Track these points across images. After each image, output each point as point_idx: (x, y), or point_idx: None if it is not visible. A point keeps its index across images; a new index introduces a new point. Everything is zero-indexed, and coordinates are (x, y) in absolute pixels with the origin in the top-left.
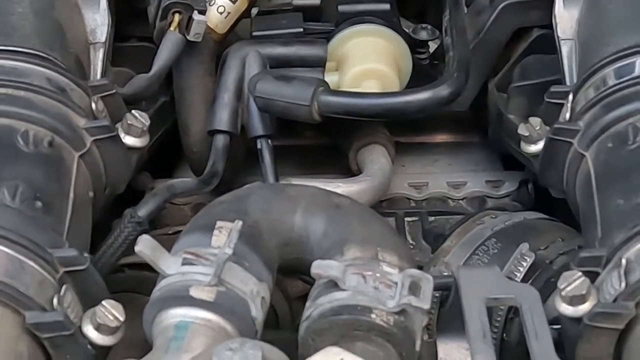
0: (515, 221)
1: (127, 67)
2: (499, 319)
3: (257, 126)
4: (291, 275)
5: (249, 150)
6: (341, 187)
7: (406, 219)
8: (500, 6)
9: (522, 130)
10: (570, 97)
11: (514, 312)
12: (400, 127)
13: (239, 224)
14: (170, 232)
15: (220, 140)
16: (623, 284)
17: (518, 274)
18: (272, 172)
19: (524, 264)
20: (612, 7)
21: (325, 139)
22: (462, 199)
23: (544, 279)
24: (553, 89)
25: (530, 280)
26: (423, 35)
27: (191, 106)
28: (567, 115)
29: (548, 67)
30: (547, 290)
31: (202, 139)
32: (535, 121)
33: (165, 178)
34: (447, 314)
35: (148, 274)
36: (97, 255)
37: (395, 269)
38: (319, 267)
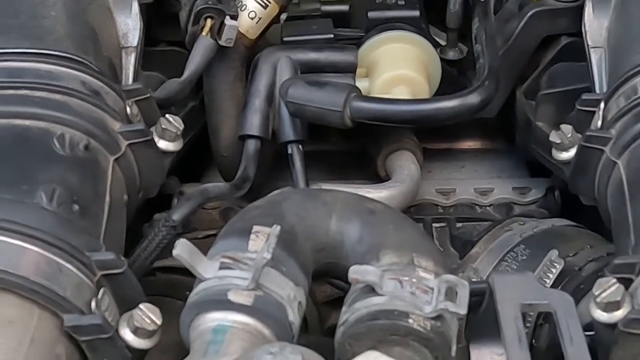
0: (544, 228)
1: (156, 71)
2: (528, 325)
3: (289, 131)
4: (320, 280)
5: (277, 155)
6: (371, 192)
7: (434, 225)
8: (529, 14)
9: (554, 137)
10: (602, 105)
11: (543, 318)
12: (427, 134)
13: (277, 228)
14: (200, 236)
15: (251, 145)
16: None
17: (548, 281)
18: (303, 177)
19: (554, 270)
20: None
21: (352, 145)
22: (489, 206)
23: (573, 286)
24: (584, 96)
25: (560, 287)
26: (450, 55)
27: (222, 111)
28: (599, 123)
29: (576, 74)
30: (577, 296)
31: (232, 144)
32: (567, 128)
33: (192, 182)
34: (477, 320)
35: (180, 277)
36: (131, 259)
37: (431, 275)
38: (356, 272)
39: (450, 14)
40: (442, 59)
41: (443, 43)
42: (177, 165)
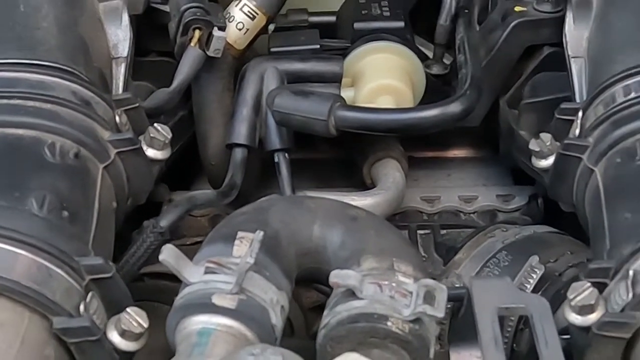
0: (526, 234)
1: (146, 81)
2: (509, 329)
3: (275, 140)
4: (306, 285)
5: (265, 163)
6: (356, 200)
7: (419, 231)
8: (512, 24)
9: (533, 145)
10: (580, 113)
11: (523, 323)
12: (414, 142)
13: (260, 234)
14: (188, 242)
15: (238, 154)
16: (630, 295)
17: (528, 286)
18: (289, 185)
19: (534, 276)
20: (620, 26)
21: (339, 153)
22: (474, 213)
23: (553, 291)
24: (563, 105)
25: (540, 292)
26: (435, 70)
27: (210, 120)
28: (577, 132)
29: (558, 84)
30: (557, 301)
31: (220, 152)
32: (546, 137)
33: (182, 190)
34: (459, 325)
35: (167, 283)
36: (119, 264)
37: (411, 279)
38: (337, 277)
39: (440, 27)
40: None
41: (428, 53)
42: (167, 173)
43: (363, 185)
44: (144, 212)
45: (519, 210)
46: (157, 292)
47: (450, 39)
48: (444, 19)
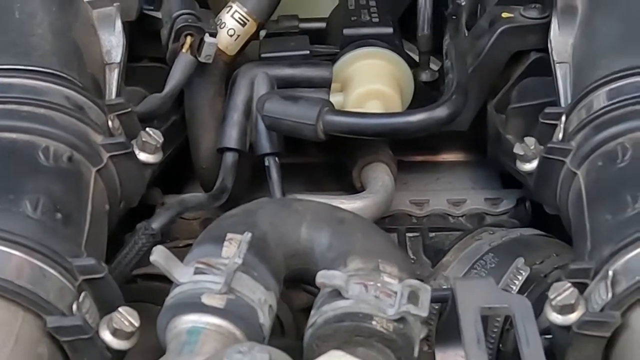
0: (512, 237)
1: (139, 87)
2: (495, 329)
3: (265, 144)
4: (296, 287)
5: (255, 167)
6: (345, 203)
7: (407, 234)
8: (499, 30)
9: (518, 149)
10: (563, 118)
11: (509, 323)
12: (403, 146)
13: (248, 235)
14: (180, 245)
15: (229, 158)
16: (610, 294)
17: (514, 287)
18: (279, 188)
19: (520, 277)
20: (603, 32)
21: (330, 157)
22: (462, 216)
23: (538, 292)
24: (547, 110)
25: (526, 293)
26: (423, 77)
27: (201, 124)
28: (560, 136)
29: (544, 89)
30: (542, 302)
31: (212, 156)
32: (530, 141)
33: (174, 194)
34: (445, 326)
35: (159, 284)
36: (112, 265)
37: (395, 280)
38: (323, 277)
39: (420, 37)
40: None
41: (417, 58)
42: (160, 177)
43: (353, 188)
44: (137, 215)
45: (506, 213)
46: (149, 294)
47: (436, 45)
48: (421, 29)
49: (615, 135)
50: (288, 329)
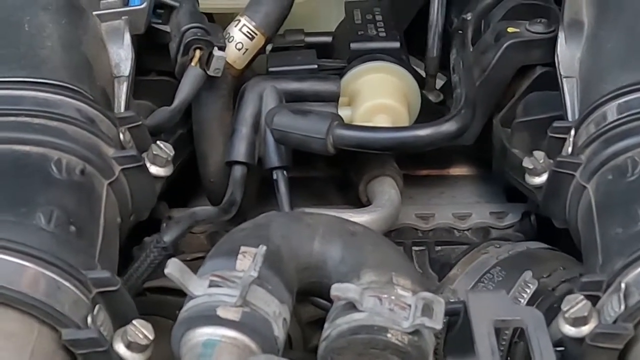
0: (519, 250)
1: (147, 100)
2: (503, 342)
3: (274, 158)
4: (302, 299)
5: (263, 181)
6: (352, 217)
7: (414, 248)
8: (505, 45)
9: (527, 163)
10: (573, 132)
11: (518, 336)
12: (408, 161)
13: (263, 248)
14: (188, 258)
15: (238, 171)
16: (622, 307)
17: (522, 300)
18: (288, 202)
19: (528, 290)
20: (610, 46)
21: (336, 171)
22: (467, 230)
23: (546, 305)
24: (556, 124)
25: (534, 306)
26: (430, 98)
27: (210, 138)
28: (570, 149)
29: (550, 103)
30: (550, 315)
31: (220, 170)
32: (540, 155)
33: (179, 207)
34: (454, 339)
35: (169, 297)
36: (124, 278)
37: (409, 292)
38: (337, 290)
39: (429, 59)
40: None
41: (422, 73)
42: (165, 190)
43: (359, 202)
44: (142, 228)
45: (512, 227)
46: (159, 307)
47: (443, 60)
48: (430, 51)
49: (625, 149)
50: (296, 342)
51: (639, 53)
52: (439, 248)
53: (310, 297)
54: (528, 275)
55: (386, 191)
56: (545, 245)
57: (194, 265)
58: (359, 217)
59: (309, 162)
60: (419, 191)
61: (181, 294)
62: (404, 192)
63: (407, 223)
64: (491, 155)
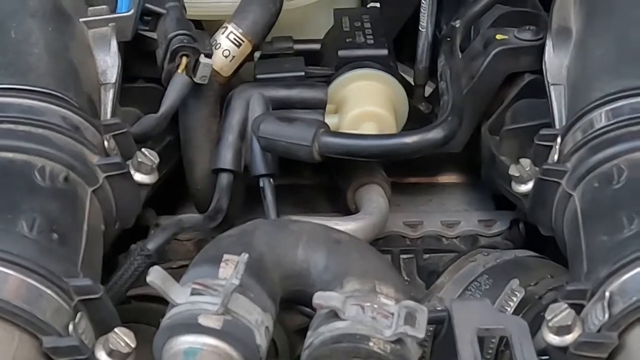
0: (506, 258)
1: (134, 107)
2: (490, 351)
3: (260, 165)
4: (290, 308)
5: (250, 188)
6: (340, 224)
7: (401, 256)
8: (493, 52)
9: (513, 171)
10: (559, 139)
11: (504, 345)
12: (396, 168)
13: (245, 256)
14: (174, 266)
15: (224, 179)
16: (606, 315)
17: (509, 309)
18: (274, 209)
19: (514, 299)
20: (598, 54)
21: (323, 179)
22: (456, 238)
23: (533, 314)
24: (542, 132)
25: (521, 315)
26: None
27: (196, 145)
28: (556, 157)
29: (539, 111)
30: (537, 324)
31: (206, 177)
32: (525, 162)
33: (168, 215)
34: (441, 348)
35: (153, 305)
36: (107, 286)
37: (392, 301)
38: (320, 298)
39: (418, 70)
40: (411, 96)
41: (411, 80)
42: (153, 198)
43: (347, 210)
44: (131, 236)
45: (500, 235)
46: (143, 314)
47: (432, 68)
48: (419, 61)
49: (611, 156)
50: (282, 350)
51: (626, 60)
52: (427, 256)
53: (296, 305)
54: (515, 283)
55: (374, 199)
56: (533, 254)
57: (181, 273)
58: (346, 224)
59: (296, 169)
60: (407, 199)
61: (165, 302)
62: (392, 199)
63: (395, 231)
64: (480, 162)
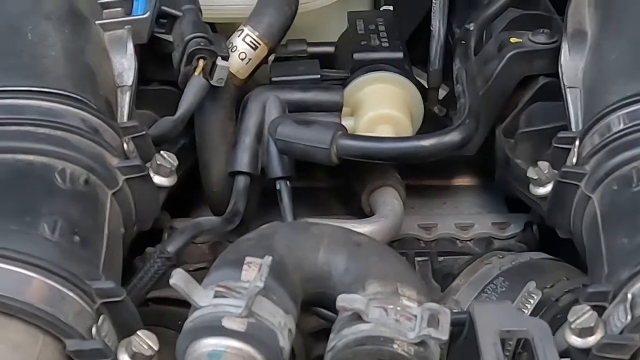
0: (522, 261)
1: (149, 110)
2: (508, 353)
3: (277, 168)
4: (307, 310)
5: (265, 191)
6: (356, 227)
7: (416, 259)
8: (508, 55)
9: (532, 174)
10: (577, 142)
11: (522, 347)
12: (411, 171)
13: (269, 259)
14: (191, 269)
15: (241, 182)
16: (629, 317)
17: (526, 311)
18: (291, 212)
19: (532, 301)
20: (614, 57)
21: (338, 182)
22: (470, 240)
23: (550, 316)
24: (561, 135)
25: (538, 317)
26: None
27: (213, 148)
28: (574, 160)
29: (553, 114)
30: (554, 326)
31: (223, 180)
32: (544, 165)
33: (182, 217)
34: (462, 351)
35: (172, 308)
36: (127, 289)
37: (415, 303)
38: (344, 301)
39: (432, 72)
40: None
41: (424, 83)
42: (168, 201)
43: (361, 213)
44: (143, 239)
45: (514, 237)
46: (162, 317)
47: (446, 71)
48: (433, 64)
49: (630, 159)
50: (298, 353)
51: None
52: (441, 259)
53: (316, 308)
54: (532, 285)
55: (389, 202)
56: (548, 256)
57: (197, 276)
58: (362, 227)
59: (312, 172)
60: (422, 202)
61: (184, 305)
62: (407, 202)
63: (410, 234)
64: (494, 165)
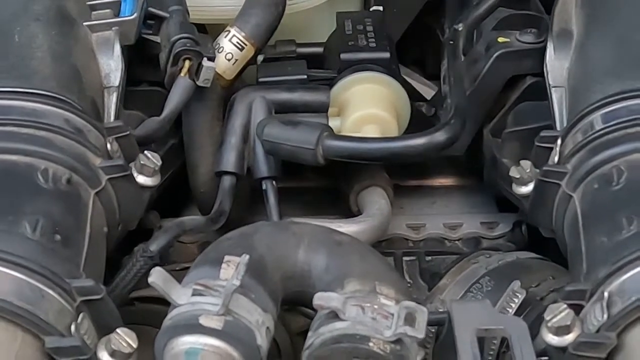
0: (508, 260)
1: (137, 110)
2: (491, 352)
3: (263, 168)
4: (292, 309)
5: (253, 191)
6: (342, 227)
7: (404, 258)
8: (495, 55)
9: (514, 172)
10: (559, 141)
11: (506, 346)
12: (399, 171)
13: (246, 257)
14: (177, 268)
15: (227, 181)
16: (605, 316)
17: (510, 310)
18: (276, 212)
19: (516, 300)
20: (598, 56)
21: (326, 182)
22: (458, 240)
23: (534, 315)
24: (543, 133)
25: (522, 316)
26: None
27: (199, 148)
28: (556, 159)
29: (540, 113)
30: (538, 325)
31: (210, 179)
32: (526, 164)
33: (171, 217)
34: (442, 349)
35: (156, 307)
36: (110, 288)
37: (392, 302)
38: (320, 299)
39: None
40: (413, 98)
41: (414, 83)
42: (158, 201)
43: (349, 212)
44: (135, 238)
45: (503, 237)
46: (147, 316)
47: (435, 70)
48: None
49: (611, 158)
50: (285, 352)
51: (626, 62)
52: (429, 258)
53: (298, 306)
54: (516, 284)
55: (376, 201)
56: (536, 255)
57: (184, 275)
58: (349, 227)
59: (298, 172)
60: (410, 201)
61: (169, 303)
62: (395, 202)
63: (397, 233)
64: (482, 165)
